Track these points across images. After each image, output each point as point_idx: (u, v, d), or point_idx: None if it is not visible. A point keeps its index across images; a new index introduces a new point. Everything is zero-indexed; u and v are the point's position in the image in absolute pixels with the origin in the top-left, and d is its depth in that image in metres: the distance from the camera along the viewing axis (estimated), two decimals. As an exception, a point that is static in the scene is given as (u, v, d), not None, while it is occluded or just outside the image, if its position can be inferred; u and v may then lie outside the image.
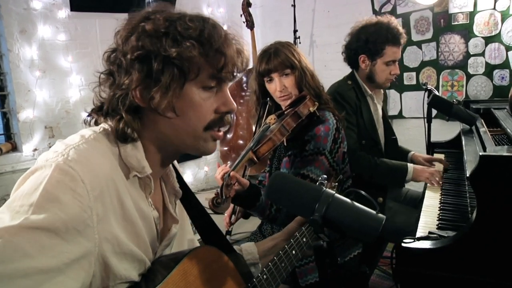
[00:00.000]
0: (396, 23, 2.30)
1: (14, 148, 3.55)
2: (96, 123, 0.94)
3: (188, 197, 1.09)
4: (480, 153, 1.27)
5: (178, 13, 0.89)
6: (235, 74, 0.93)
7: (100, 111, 0.92)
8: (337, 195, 0.89)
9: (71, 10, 3.68)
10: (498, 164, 1.25)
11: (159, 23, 0.85)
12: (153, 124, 0.90)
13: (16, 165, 3.44)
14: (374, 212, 0.87)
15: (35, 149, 3.57)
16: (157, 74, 0.84)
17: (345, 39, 2.44)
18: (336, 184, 1.44)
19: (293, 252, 1.17)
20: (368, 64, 2.32)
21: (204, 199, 4.48)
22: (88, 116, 0.95)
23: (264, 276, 1.06)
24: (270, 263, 1.09)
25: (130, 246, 0.84)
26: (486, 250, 1.27)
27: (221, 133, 0.95)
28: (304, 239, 1.22)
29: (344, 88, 2.33)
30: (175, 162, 1.19)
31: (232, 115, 0.95)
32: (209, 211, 1.35)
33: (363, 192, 0.95)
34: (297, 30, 4.42)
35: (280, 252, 1.13)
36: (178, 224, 1.04)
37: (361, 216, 0.87)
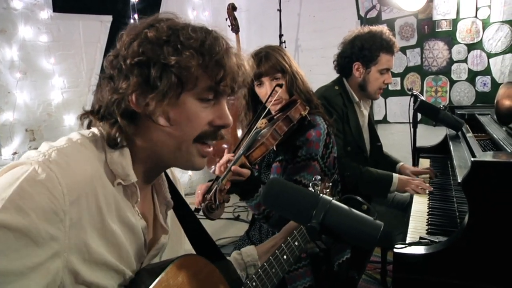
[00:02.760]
0: (389, 32, 2.32)
1: (-7, 152, 3.45)
2: (89, 126, 0.92)
3: (180, 206, 1.07)
4: (472, 159, 1.28)
5: (183, 23, 0.89)
6: (234, 88, 0.92)
7: (97, 114, 0.90)
8: (334, 201, 0.87)
9: (54, 11, 3.61)
10: (489, 170, 1.26)
11: (162, 31, 0.85)
12: (145, 131, 0.89)
13: (-5, 168, 3.34)
14: (371, 218, 0.86)
15: (15, 153, 3.48)
16: (155, 81, 0.83)
17: (338, 48, 2.44)
18: (330, 184, 1.43)
19: (284, 257, 1.15)
20: (362, 72, 2.32)
21: (188, 203, 4.44)
22: (83, 116, 0.93)
23: (254, 283, 1.03)
24: (259, 270, 1.07)
25: (104, 256, 0.81)
26: (478, 255, 1.27)
27: (209, 149, 0.94)
28: (296, 243, 1.20)
29: (331, 94, 2.32)
30: (173, 171, 1.17)
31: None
32: (200, 216, 1.33)
33: (360, 199, 0.94)
34: (282, 35, 4.43)
35: (271, 257, 1.11)
36: (168, 234, 1.02)
37: (359, 223, 0.85)
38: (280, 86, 1.74)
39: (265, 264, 1.09)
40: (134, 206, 0.91)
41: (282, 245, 1.17)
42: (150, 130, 0.88)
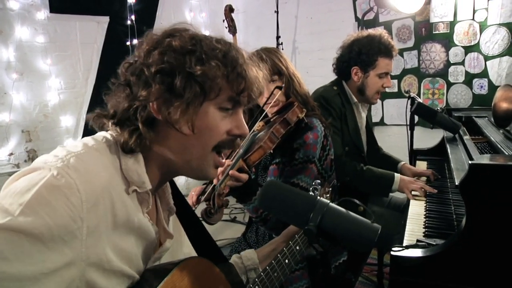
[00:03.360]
0: (388, 36, 2.32)
1: (-11, 153, 3.43)
2: (101, 128, 0.92)
3: (183, 209, 1.08)
4: (470, 162, 1.28)
5: (203, 34, 0.91)
6: (251, 100, 0.95)
7: (112, 118, 0.89)
8: (332, 204, 0.87)
9: (51, 11, 3.59)
10: (487, 173, 1.26)
11: (185, 41, 0.87)
12: (164, 138, 0.90)
13: (-9, 170, 3.33)
14: (369, 221, 0.86)
15: (11, 154, 3.46)
16: (179, 90, 0.84)
17: (337, 52, 2.44)
18: (330, 189, 1.42)
19: (286, 261, 1.16)
20: (360, 76, 2.32)
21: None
22: (96, 118, 0.92)
23: (256, 287, 1.03)
24: (262, 273, 1.08)
25: (119, 264, 0.81)
26: (475, 258, 1.27)
27: (223, 161, 0.97)
28: (298, 247, 1.21)
29: (329, 93, 2.33)
30: None
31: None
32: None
33: (357, 201, 0.94)
34: (279, 36, 4.43)
35: (273, 261, 1.12)
36: (172, 240, 1.02)
37: (356, 226, 0.85)
38: (280, 88, 1.73)
39: (267, 268, 1.10)
40: (145, 213, 0.90)
41: (284, 249, 1.17)
42: (169, 138, 0.89)
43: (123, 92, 0.88)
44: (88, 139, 0.87)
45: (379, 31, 2.36)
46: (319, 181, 1.30)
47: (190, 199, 1.61)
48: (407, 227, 1.64)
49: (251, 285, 1.03)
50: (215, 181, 1.55)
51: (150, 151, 0.90)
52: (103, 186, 0.78)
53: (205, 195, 1.44)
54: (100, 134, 0.90)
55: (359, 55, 2.29)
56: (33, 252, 0.67)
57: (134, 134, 0.86)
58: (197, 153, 0.91)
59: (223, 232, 3.73)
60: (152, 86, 0.84)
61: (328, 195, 1.38)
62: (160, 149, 0.90)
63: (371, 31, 2.38)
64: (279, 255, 1.14)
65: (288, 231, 1.33)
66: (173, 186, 1.07)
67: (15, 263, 0.65)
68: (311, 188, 1.27)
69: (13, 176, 0.75)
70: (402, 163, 2.52)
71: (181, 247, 1.11)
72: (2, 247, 0.64)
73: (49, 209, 0.69)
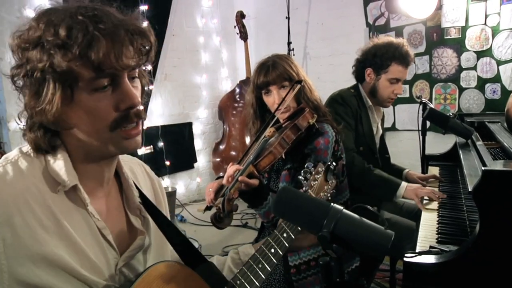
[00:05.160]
0: (408, 46, 2.36)
1: (4, 158, 3.49)
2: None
3: (158, 216, 1.05)
4: (483, 168, 1.27)
5: (52, 14, 0.82)
6: (130, 63, 0.84)
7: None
8: (345, 211, 0.87)
9: (65, 19, 3.66)
10: (500, 179, 1.26)
11: (32, 33, 0.81)
12: (65, 135, 0.88)
13: (6, 175, 3.37)
14: (382, 228, 0.86)
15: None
16: (40, 89, 0.80)
17: (357, 53, 2.51)
18: (323, 169, 1.37)
19: (272, 250, 1.11)
20: (372, 78, 2.38)
21: (196, 210, 4.45)
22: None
23: (238, 282, 1.01)
24: (243, 267, 1.05)
25: (64, 261, 0.82)
26: (489, 265, 1.26)
27: (135, 130, 0.89)
28: (285, 234, 1.16)
29: (346, 94, 2.41)
30: (152, 175, 1.17)
31: (138, 110, 0.89)
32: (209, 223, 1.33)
33: (370, 208, 0.94)
34: (291, 42, 4.44)
35: (256, 253, 1.09)
36: (145, 236, 1.01)
37: (370, 232, 0.85)
38: (299, 82, 1.74)
39: (249, 260, 1.06)
40: (87, 208, 0.89)
41: (268, 238, 1.14)
42: (68, 134, 0.87)
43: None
44: (14, 151, 0.88)
45: (402, 40, 2.41)
46: (312, 164, 1.28)
47: (208, 196, 1.61)
48: (419, 233, 1.63)
49: (231, 281, 1.01)
50: (225, 182, 1.55)
51: (67, 148, 0.88)
52: (16, 197, 0.80)
53: (218, 200, 1.45)
54: None
55: (374, 57, 2.35)
56: None
57: (29, 139, 0.86)
58: (99, 137, 0.86)
59: (235, 237, 3.74)
60: (23, 91, 0.83)
61: (320, 175, 1.34)
62: (71, 144, 0.88)
63: (394, 38, 2.45)
64: (263, 245, 1.11)
65: None
66: (141, 193, 1.05)
67: None
68: (302, 172, 1.25)
69: None
70: (407, 170, 2.53)
71: (167, 244, 1.08)
72: None
73: None
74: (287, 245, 1.16)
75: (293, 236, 1.17)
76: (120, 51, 0.81)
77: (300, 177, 1.27)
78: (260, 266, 1.07)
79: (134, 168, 1.11)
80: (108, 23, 0.80)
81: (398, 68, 2.32)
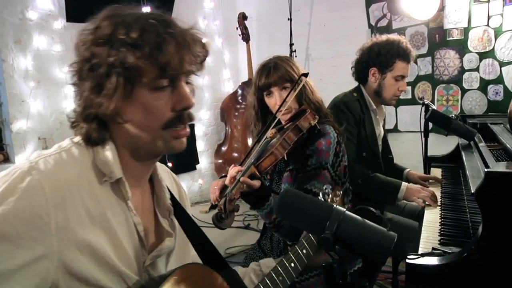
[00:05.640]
0: (406, 41, 2.35)
1: (6, 159, 3.50)
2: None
3: (182, 216, 1.08)
4: (486, 170, 1.27)
5: (123, 15, 0.88)
6: (191, 66, 0.91)
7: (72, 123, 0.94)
8: (348, 212, 0.87)
9: (67, 21, 3.67)
10: (503, 181, 1.25)
11: (102, 31, 0.86)
12: (116, 128, 0.91)
13: (8, 176, 3.38)
14: (385, 229, 0.86)
15: (28, 161, 3.52)
16: (103, 82, 0.85)
17: (356, 54, 2.48)
18: (341, 193, 1.42)
19: (292, 265, 1.14)
20: (377, 78, 2.35)
21: (198, 212, 4.45)
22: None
23: None
24: (265, 277, 1.07)
25: (102, 254, 0.84)
26: (492, 267, 1.26)
27: (184, 131, 0.94)
28: (304, 251, 1.20)
29: (350, 99, 2.36)
30: (178, 183, 1.20)
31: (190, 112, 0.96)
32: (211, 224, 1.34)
33: (372, 209, 0.94)
34: (293, 44, 4.44)
35: (277, 265, 1.11)
36: (173, 237, 1.03)
37: (372, 234, 0.85)
38: (305, 75, 1.73)
39: (271, 272, 1.09)
40: (127, 203, 0.92)
41: (289, 253, 1.17)
42: (120, 128, 0.91)
43: (76, 95, 0.92)
44: (66, 140, 0.92)
45: (398, 36, 2.39)
46: (330, 186, 1.30)
47: (213, 194, 1.61)
48: (422, 234, 1.63)
49: None
50: (227, 182, 1.55)
51: (116, 142, 0.92)
52: (69, 183, 0.83)
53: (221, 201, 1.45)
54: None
55: (378, 56, 2.33)
56: (2, 251, 0.72)
57: (83, 130, 0.89)
58: (150, 135, 0.90)
59: (237, 239, 3.74)
60: (85, 84, 0.87)
61: (338, 198, 1.37)
62: (121, 139, 0.92)
63: (390, 36, 2.42)
64: (283, 259, 1.14)
65: None
66: (171, 194, 1.08)
67: None
68: (321, 193, 1.28)
69: None
70: (408, 170, 2.52)
71: (189, 249, 1.11)
72: None
73: (13, 209, 0.74)
74: (305, 261, 1.20)
75: (311, 254, 1.22)
76: (184, 56, 0.88)
77: (320, 198, 1.28)
78: (280, 278, 1.11)
79: (162, 174, 1.13)
80: (176, 29, 0.88)
81: (403, 64, 2.31)
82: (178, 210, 1.08)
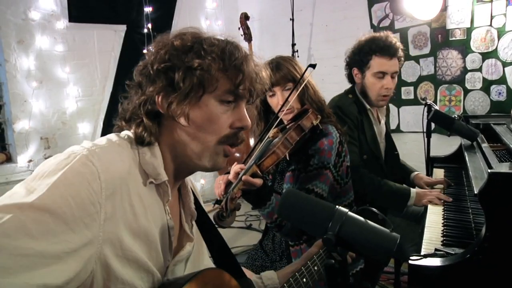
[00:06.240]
0: (392, 37, 2.27)
1: (9, 159, 3.51)
2: (120, 131, 0.98)
3: (203, 220, 1.10)
4: (489, 170, 1.26)
5: (206, 35, 0.96)
6: (253, 93, 0.98)
7: (123, 118, 0.97)
8: (350, 213, 0.87)
9: (69, 21, 3.67)
10: (506, 181, 1.24)
11: (187, 40, 0.93)
12: (169, 130, 0.95)
13: (10, 176, 3.39)
14: (388, 230, 0.85)
15: (30, 160, 3.53)
16: (178, 83, 0.90)
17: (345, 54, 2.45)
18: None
19: (304, 280, 1.18)
20: (360, 78, 2.32)
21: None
22: (116, 129, 1.00)
23: None
24: None
25: (135, 253, 0.85)
26: (495, 268, 1.25)
27: (233, 150, 0.98)
28: (316, 268, 1.24)
29: (345, 102, 2.31)
30: (194, 185, 1.21)
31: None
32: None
33: (375, 210, 0.93)
34: (295, 44, 4.44)
35: (291, 279, 1.14)
36: (193, 243, 1.05)
37: (375, 235, 0.84)
38: (313, 66, 1.72)
39: (285, 285, 1.11)
40: (166, 205, 0.95)
41: (302, 268, 1.20)
42: (174, 130, 0.94)
43: (136, 93, 0.96)
44: (112, 136, 0.93)
45: (386, 32, 2.32)
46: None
47: (218, 189, 1.62)
48: (424, 235, 1.62)
49: None
50: (231, 177, 1.55)
51: (162, 143, 0.95)
52: (121, 177, 0.84)
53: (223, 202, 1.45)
54: (124, 132, 0.96)
55: (354, 56, 2.30)
56: (57, 232, 0.71)
57: (140, 126, 0.92)
58: (202, 144, 0.94)
59: (239, 239, 3.74)
60: (157, 82, 0.91)
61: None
62: (169, 141, 0.95)
63: (379, 33, 2.34)
64: (297, 273, 1.17)
65: (308, 254, 1.35)
66: (195, 196, 1.10)
67: (42, 241, 0.69)
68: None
69: (43, 163, 0.80)
70: (415, 173, 2.49)
71: (203, 258, 1.13)
72: (30, 225, 0.68)
73: (73, 192, 0.74)
74: (316, 278, 1.24)
75: (322, 272, 1.24)
76: (253, 81, 0.96)
77: None
78: None
79: None
80: (250, 56, 0.98)
81: (381, 60, 2.22)
82: (200, 215, 1.10)
